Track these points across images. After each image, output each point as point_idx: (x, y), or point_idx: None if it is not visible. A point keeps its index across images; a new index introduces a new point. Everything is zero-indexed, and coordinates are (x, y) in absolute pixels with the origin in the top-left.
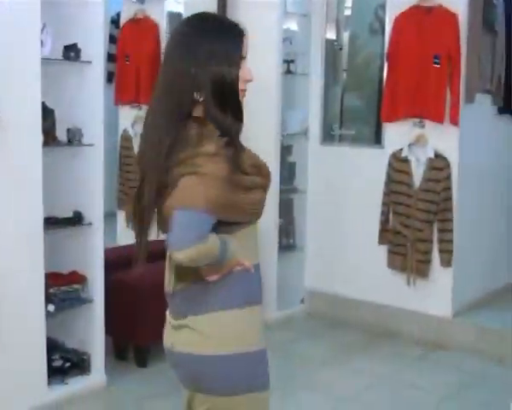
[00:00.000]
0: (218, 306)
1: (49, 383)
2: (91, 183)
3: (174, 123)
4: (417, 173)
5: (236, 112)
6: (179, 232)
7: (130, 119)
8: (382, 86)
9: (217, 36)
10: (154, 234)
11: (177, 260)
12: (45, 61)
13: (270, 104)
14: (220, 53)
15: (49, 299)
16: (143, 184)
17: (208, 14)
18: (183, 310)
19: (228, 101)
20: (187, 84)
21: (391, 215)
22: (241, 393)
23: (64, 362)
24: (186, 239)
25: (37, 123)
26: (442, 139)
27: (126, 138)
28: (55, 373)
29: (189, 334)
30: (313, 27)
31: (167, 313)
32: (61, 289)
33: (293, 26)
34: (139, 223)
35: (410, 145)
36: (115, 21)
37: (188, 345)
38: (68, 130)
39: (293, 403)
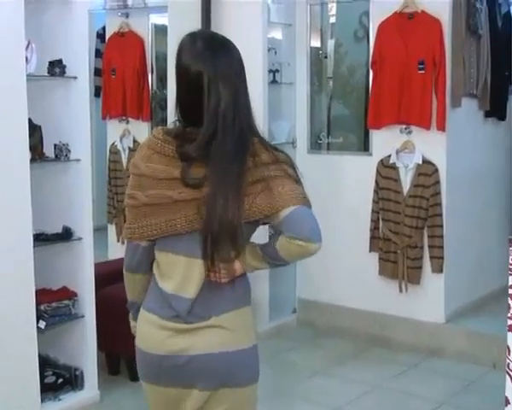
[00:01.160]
0: (242, 303)
1: (42, 399)
2: (80, 198)
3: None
4: (405, 180)
5: None
6: (315, 224)
7: (119, 133)
8: (369, 93)
9: None
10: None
11: (314, 252)
12: (30, 77)
13: (256, 114)
14: None
15: (39, 316)
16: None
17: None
18: (203, 313)
19: None
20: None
21: (380, 222)
22: (256, 381)
23: (56, 378)
24: (319, 230)
25: (23, 139)
26: (429, 145)
27: (115, 152)
28: (48, 390)
29: (219, 333)
30: (297, 36)
31: (161, 320)
32: (52, 305)
33: (277, 35)
34: (231, 240)
35: (397, 152)
36: (101, 35)
37: (219, 344)
38: (55, 145)
39: None
